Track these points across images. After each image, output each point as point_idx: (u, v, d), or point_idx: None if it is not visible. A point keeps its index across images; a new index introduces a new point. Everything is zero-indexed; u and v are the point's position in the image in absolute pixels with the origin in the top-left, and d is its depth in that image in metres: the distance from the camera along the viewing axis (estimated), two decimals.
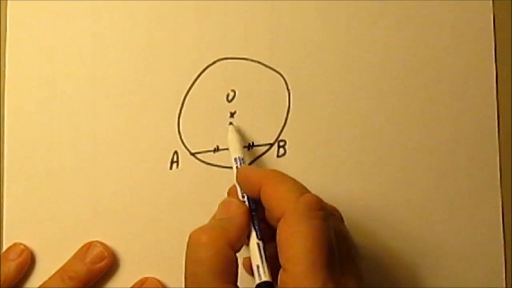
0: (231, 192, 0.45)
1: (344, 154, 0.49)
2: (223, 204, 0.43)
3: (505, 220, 0.49)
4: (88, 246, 0.48)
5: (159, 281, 0.48)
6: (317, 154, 0.49)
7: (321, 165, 0.49)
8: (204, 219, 0.48)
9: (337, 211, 0.44)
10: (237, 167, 0.45)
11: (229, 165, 0.48)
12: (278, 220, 0.39)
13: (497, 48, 0.50)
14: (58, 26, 0.49)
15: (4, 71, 0.49)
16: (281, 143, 0.49)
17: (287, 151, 0.49)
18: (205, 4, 0.50)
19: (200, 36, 0.49)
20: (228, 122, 0.49)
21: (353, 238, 0.43)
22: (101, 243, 0.48)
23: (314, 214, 0.38)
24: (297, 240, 0.37)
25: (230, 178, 0.48)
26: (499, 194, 0.49)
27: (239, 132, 0.48)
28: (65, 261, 0.48)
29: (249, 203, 0.43)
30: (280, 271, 0.38)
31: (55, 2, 0.49)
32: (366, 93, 0.50)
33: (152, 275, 0.48)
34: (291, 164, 0.49)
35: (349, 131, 0.49)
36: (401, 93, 0.50)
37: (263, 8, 0.50)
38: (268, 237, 0.41)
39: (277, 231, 0.39)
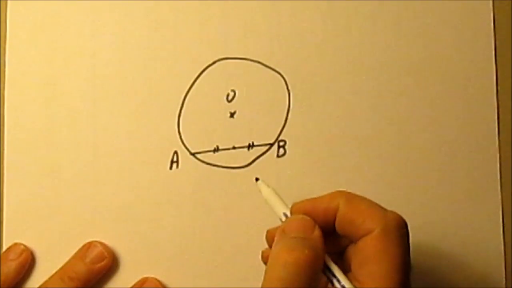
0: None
1: (344, 154, 0.49)
2: (296, 221, 0.39)
3: (505, 220, 0.49)
4: (88, 246, 0.48)
5: (159, 281, 0.48)
6: (317, 154, 0.49)
7: (321, 165, 0.49)
8: (204, 219, 0.48)
9: None
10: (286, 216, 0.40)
11: (229, 165, 0.48)
12: (360, 237, 0.37)
13: (497, 48, 0.50)
14: (58, 26, 0.49)
15: (4, 71, 0.49)
16: (281, 143, 0.49)
17: (287, 151, 0.49)
18: (205, 4, 0.50)
19: (200, 36, 0.49)
20: (228, 122, 0.49)
21: None
22: (101, 243, 0.48)
23: (402, 233, 0.37)
24: (385, 258, 0.36)
25: (229, 178, 0.48)
26: (499, 194, 0.49)
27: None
28: (65, 261, 0.48)
29: None
30: (353, 282, 0.37)
31: (55, 2, 0.49)
32: (366, 93, 0.50)
33: (152, 275, 0.48)
34: (291, 164, 0.49)
35: (349, 131, 0.49)
36: (401, 93, 0.50)
37: (263, 8, 0.50)
38: None
39: (361, 245, 0.37)
